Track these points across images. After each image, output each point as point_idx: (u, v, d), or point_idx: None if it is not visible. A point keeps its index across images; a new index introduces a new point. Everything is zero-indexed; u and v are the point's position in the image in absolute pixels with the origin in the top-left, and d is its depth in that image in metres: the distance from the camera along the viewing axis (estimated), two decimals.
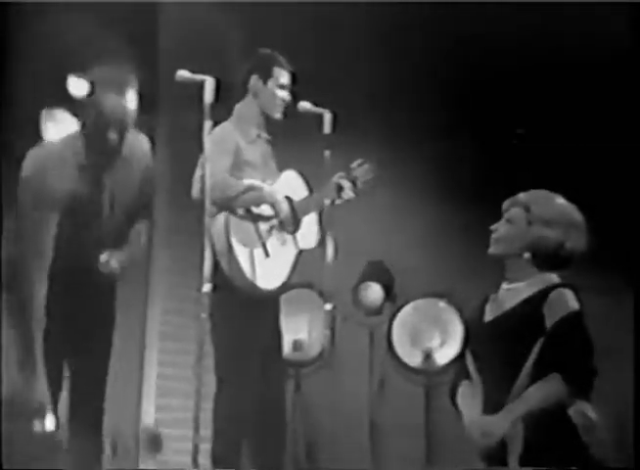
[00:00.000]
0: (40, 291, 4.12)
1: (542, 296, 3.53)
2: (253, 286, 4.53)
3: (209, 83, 3.94)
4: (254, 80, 4.70)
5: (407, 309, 6.49)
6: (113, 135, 4.16)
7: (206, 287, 3.94)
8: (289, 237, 4.71)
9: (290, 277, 4.70)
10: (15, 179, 4.78)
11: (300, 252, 4.74)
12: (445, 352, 6.34)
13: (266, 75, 4.70)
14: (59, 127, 5.42)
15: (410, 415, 6.41)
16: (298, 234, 4.73)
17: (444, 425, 6.18)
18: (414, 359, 6.42)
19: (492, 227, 3.70)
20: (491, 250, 3.69)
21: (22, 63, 5.33)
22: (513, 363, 3.48)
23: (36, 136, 5.37)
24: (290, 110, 4.67)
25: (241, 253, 4.52)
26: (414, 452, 6.30)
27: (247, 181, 4.58)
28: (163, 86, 5.90)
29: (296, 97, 4.76)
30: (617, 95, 5.72)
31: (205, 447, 4.30)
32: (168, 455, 5.98)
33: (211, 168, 4.07)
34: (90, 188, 4.20)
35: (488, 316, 3.65)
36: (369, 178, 4.72)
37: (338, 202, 4.68)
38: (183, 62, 4.23)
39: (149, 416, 6.13)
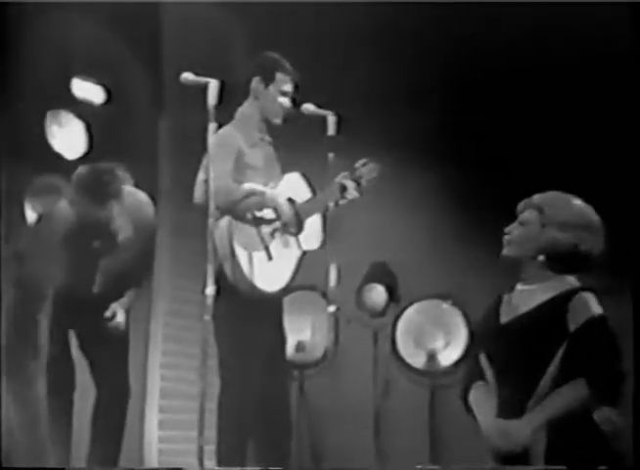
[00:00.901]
0: (38, 378, 4.25)
1: (564, 299, 3.48)
2: (256, 289, 4.53)
3: (213, 86, 3.94)
4: (256, 82, 4.68)
5: (411, 311, 6.49)
6: (97, 244, 4.28)
7: (210, 289, 3.93)
8: (292, 239, 4.71)
9: (293, 279, 4.69)
10: (18, 179, 4.78)
11: (304, 253, 4.74)
12: (449, 354, 6.34)
13: (269, 79, 4.68)
14: (63, 130, 5.44)
15: (414, 416, 6.41)
16: (302, 236, 4.73)
17: (449, 426, 6.19)
18: (418, 360, 6.42)
19: (506, 230, 3.67)
20: (505, 252, 3.65)
21: (26, 64, 5.33)
22: (532, 366, 3.44)
23: (41, 138, 5.38)
24: (293, 112, 4.66)
25: (243, 256, 4.52)
26: (419, 453, 6.29)
27: (248, 186, 4.57)
28: (167, 88, 5.90)
29: (296, 102, 4.75)
30: (621, 95, 5.70)
31: (209, 448, 4.31)
32: (172, 457, 5.99)
33: (213, 173, 4.09)
34: (82, 274, 4.30)
35: (505, 317, 3.60)
36: (373, 177, 4.72)
37: (342, 202, 4.68)
38: (187, 63, 4.24)
39: (152, 417, 6.14)
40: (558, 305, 3.49)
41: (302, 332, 6.26)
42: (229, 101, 4.54)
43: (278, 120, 4.70)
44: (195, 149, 4.49)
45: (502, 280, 3.72)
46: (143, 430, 6.07)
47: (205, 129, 4.01)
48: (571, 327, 3.45)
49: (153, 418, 6.13)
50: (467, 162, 6.30)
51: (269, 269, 4.59)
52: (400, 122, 6.26)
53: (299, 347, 6.25)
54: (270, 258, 4.58)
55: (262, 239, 4.59)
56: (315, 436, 6.28)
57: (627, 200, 5.58)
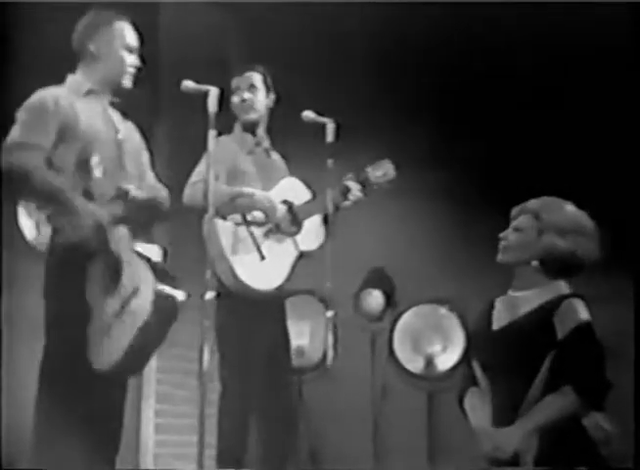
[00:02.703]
0: None
1: (552, 306, 3.52)
2: (249, 289, 4.55)
3: (214, 93, 3.95)
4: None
5: (408, 316, 6.50)
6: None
7: (210, 294, 3.94)
8: (288, 239, 4.73)
9: (289, 278, 4.71)
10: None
11: (302, 254, 4.76)
12: (447, 358, 6.35)
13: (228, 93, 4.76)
14: None
15: (413, 421, 6.42)
16: (299, 236, 4.76)
17: (447, 430, 6.20)
18: (416, 365, 6.43)
19: (501, 235, 3.68)
20: (500, 258, 3.67)
21: (24, 67, 5.33)
22: (523, 373, 3.47)
23: None
24: (293, 119, 4.69)
25: (234, 257, 4.54)
26: (417, 458, 6.31)
27: (235, 188, 4.62)
28: (164, 94, 5.91)
29: (270, 90, 4.80)
30: (620, 97, 5.72)
31: (209, 453, 4.32)
32: (169, 461, 5.99)
33: (199, 176, 4.13)
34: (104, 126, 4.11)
35: (497, 324, 3.64)
36: (387, 180, 4.78)
37: (345, 203, 4.72)
38: (184, 69, 4.24)
39: (148, 422, 6.14)
40: (546, 312, 3.52)
41: (301, 337, 6.27)
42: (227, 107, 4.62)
43: (254, 116, 4.78)
44: (192, 155, 4.51)
45: (500, 285, 3.74)
46: (139, 434, 6.08)
47: (201, 136, 4.02)
48: (559, 334, 3.48)
49: (149, 422, 6.13)
50: (465, 167, 6.32)
51: (264, 269, 4.62)
52: (399, 129, 6.28)
53: (298, 352, 6.25)
54: (263, 257, 4.61)
55: (254, 239, 4.61)
56: (314, 440, 6.28)
57: (625, 203, 5.60)
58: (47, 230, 4.19)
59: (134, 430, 6.01)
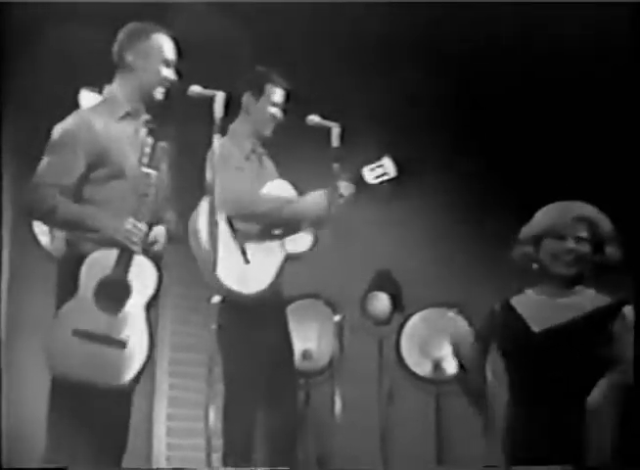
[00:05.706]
0: None
1: (610, 313, 3.50)
2: (229, 291, 4.48)
3: (220, 98, 3.98)
4: (247, 97, 4.79)
5: (416, 319, 6.49)
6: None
7: (216, 298, 3.96)
8: (274, 242, 4.73)
9: (275, 280, 4.67)
10: (24, 192, 4.80)
11: (288, 256, 4.75)
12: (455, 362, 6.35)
13: (259, 93, 4.78)
14: None
15: (420, 424, 6.41)
16: (287, 238, 4.76)
17: (455, 433, 6.20)
18: (423, 369, 6.42)
19: (571, 248, 3.55)
20: (569, 271, 3.56)
21: (33, 76, 5.36)
22: (574, 377, 3.44)
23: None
24: (298, 123, 4.71)
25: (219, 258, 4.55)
26: (425, 461, 6.30)
27: (271, 195, 4.64)
28: (172, 99, 5.93)
29: (286, 112, 4.82)
30: (621, 98, 5.72)
31: (217, 456, 4.34)
32: (181, 464, 6.01)
33: (223, 184, 4.14)
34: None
35: (538, 326, 3.56)
36: (348, 194, 4.77)
37: (340, 201, 4.70)
38: (191, 73, 4.27)
39: (160, 425, 6.16)
40: (604, 319, 3.48)
41: (308, 340, 6.27)
42: (235, 113, 4.64)
43: (268, 132, 4.79)
44: (197, 160, 4.53)
45: (507, 287, 3.74)
46: (152, 438, 6.10)
47: (203, 139, 4.06)
48: (618, 345, 3.44)
49: (161, 426, 6.15)
50: (471, 171, 6.31)
51: (248, 272, 4.59)
52: (404, 131, 6.28)
53: (305, 355, 6.26)
54: (247, 261, 4.59)
55: (239, 243, 4.61)
56: (320, 444, 6.28)
57: (625, 204, 5.59)
58: (60, 235, 4.25)
59: (146, 433, 6.04)
